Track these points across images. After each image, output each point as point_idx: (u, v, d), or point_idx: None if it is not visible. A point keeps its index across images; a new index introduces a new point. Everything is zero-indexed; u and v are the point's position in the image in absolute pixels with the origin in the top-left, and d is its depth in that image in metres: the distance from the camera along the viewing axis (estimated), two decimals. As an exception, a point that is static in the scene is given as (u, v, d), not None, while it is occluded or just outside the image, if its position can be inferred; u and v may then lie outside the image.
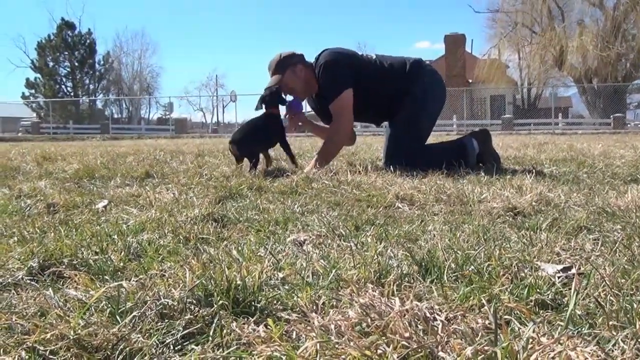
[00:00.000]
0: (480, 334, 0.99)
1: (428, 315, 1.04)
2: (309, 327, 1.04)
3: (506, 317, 1.10)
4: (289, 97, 4.59)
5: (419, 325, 1.01)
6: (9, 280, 1.44)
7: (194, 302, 1.20)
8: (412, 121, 4.34)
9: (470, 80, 38.75)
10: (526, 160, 5.20)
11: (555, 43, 33.93)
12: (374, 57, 4.54)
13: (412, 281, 1.36)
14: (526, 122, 30.91)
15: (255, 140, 4.38)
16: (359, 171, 3.81)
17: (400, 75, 4.41)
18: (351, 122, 4.47)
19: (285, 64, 4.41)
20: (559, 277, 1.34)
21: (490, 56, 38.60)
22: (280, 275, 1.43)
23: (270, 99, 4.39)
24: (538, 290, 1.24)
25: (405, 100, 4.36)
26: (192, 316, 1.13)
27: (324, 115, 4.64)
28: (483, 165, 4.19)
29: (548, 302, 1.20)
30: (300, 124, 4.77)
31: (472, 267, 1.42)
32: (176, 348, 1.04)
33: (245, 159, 4.31)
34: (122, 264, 1.60)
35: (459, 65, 38.59)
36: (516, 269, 1.38)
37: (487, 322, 1.05)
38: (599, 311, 1.11)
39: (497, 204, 2.44)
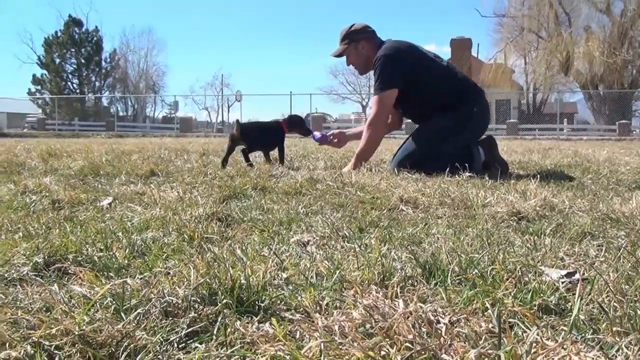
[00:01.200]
0: (483, 337, 0.99)
1: (432, 317, 1.05)
2: (312, 328, 1.04)
3: (510, 321, 1.10)
4: (316, 133, 5.02)
5: (422, 328, 1.01)
6: (15, 276, 1.45)
7: (198, 300, 1.20)
8: (443, 137, 4.31)
9: (480, 86, 38.72)
10: (531, 165, 5.19)
11: (561, 49, 33.89)
12: (445, 62, 4.57)
13: (415, 284, 1.37)
14: (531, 127, 30.91)
15: (259, 136, 4.89)
16: (364, 173, 3.82)
17: (458, 89, 4.43)
18: (386, 117, 4.51)
19: (351, 38, 4.54)
20: (562, 282, 1.34)
21: (497, 61, 38.57)
22: (284, 275, 1.43)
23: (295, 122, 4.94)
24: (542, 294, 1.25)
25: (447, 114, 4.35)
26: (196, 314, 1.14)
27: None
28: (489, 171, 4.18)
29: (552, 306, 1.20)
30: (336, 140, 4.98)
31: (476, 270, 1.42)
32: (180, 346, 1.04)
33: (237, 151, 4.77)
34: (126, 262, 1.60)
35: (464, 69, 38.54)
36: (520, 274, 1.38)
37: (490, 325, 1.05)
38: (602, 317, 1.11)
39: (502, 209, 2.44)
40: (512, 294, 1.25)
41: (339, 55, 4.61)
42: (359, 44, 4.51)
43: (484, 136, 4.61)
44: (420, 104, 4.46)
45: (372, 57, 4.46)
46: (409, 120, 5.41)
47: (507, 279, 1.33)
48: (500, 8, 40.32)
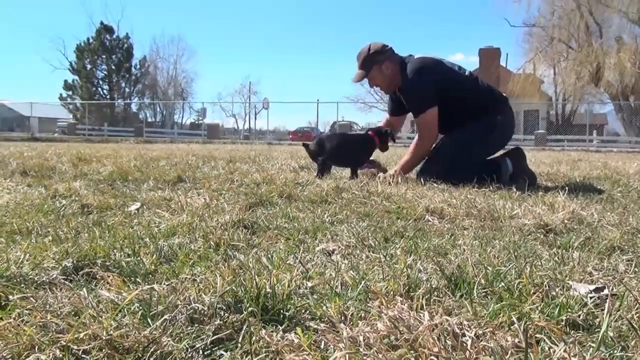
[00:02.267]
0: (510, 352, 0.98)
1: (457, 330, 1.04)
2: (337, 338, 1.04)
3: (536, 336, 1.09)
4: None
5: (447, 341, 1.00)
6: (44, 279, 1.47)
7: (224, 307, 1.21)
8: (465, 146, 4.31)
9: (504, 95, 38.39)
10: (559, 177, 5.13)
11: (592, 59, 33.43)
12: (467, 72, 4.56)
13: (441, 296, 1.36)
14: (560, 138, 30.50)
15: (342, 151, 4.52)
16: (390, 183, 3.81)
17: (484, 98, 4.41)
18: (433, 139, 4.47)
19: (373, 61, 4.46)
20: (591, 298, 1.32)
21: (525, 71, 38.16)
22: (309, 284, 1.44)
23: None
24: (569, 310, 1.23)
25: (476, 123, 4.34)
26: (221, 322, 1.14)
27: (398, 109, 4.82)
28: (516, 183, 4.13)
29: (579, 322, 1.19)
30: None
31: (503, 283, 1.41)
32: (205, 353, 1.05)
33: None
34: (153, 267, 1.62)
35: (492, 79, 38.24)
36: (547, 288, 1.37)
37: (516, 340, 1.04)
38: (632, 334, 1.10)
39: (529, 221, 2.42)
40: (539, 309, 1.23)
41: (361, 80, 4.58)
42: (382, 65, 4.47)
43: (511, 147, 4.57)
44: (447, 115, 4.44)
45: (396, 75, 4.45)
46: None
47: (534, 293, 1.32)
48: (529, 18, 39.78)
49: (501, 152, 4.58)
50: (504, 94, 4.69)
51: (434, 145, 4.48)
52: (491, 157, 4.49)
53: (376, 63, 4.45)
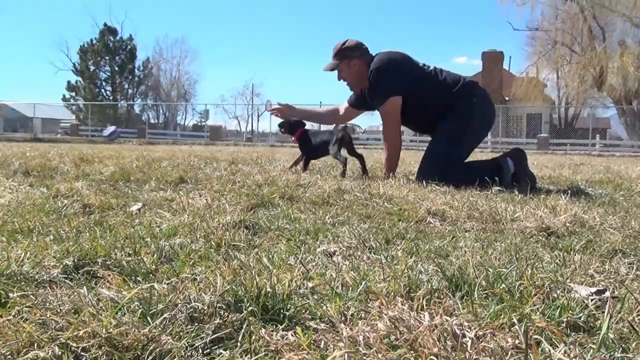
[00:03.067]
0: (509, 353, 0.98)
1: (457, 331, 1.04)
2: (337, 338, 1.04)
3: (536, 337, 1.08)
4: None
5: (447, 341, 1.00)
6: (45, 277, 1.47)
7: (224, 307, 1.21)
8: (453, 137, 4.34)
9: (507, 98, 38.36)
10: (561, 180, 5.13)
11: (595, 63, 33.39)
12: (432, 67, 4.59)
13: (441, 297, 1.35)
14: (562, 142, 30.49)
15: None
16: (391, 185, 3.80)
17: (451, 89, 4.42)
18: (397, 127, 4.58)
19: (344, 55, 4.60)
20: (592, 300, 1.32)
21: (528, 74, 38.14)
22: (310, 284, 1.44)
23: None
24: (570, 311, 1.23)
25: (449, 115, 4.37)
26: (221, 321, 1.14)
27: (360, 104, 5.04)
28: (517, 184, 4.13)
29: (580, 324, 1.18)
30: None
31: (504, 285, 1.40)
32: (205, 352, 1.05)
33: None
34: (154, 267, 1.62)
35: (495, 82, 38.24)
36: (548, 290, 1.36)
37: (517, 341, 1.04)
38: (632, 336, 1.09)
39: (531, 224, 2.41)
40: (540, 310, 1.23)
41: (331, 70, 4.68)
42: (351, 61, 4.60)
43: (512, 149, 4.57)
44: (423, 112, 4.52)
45: (363, 74, 4.55)
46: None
47: (535, 295, 1.32)
48: (533, 22, 39.80)
49: (501, 152, 4.59)
50: (470, 78, 4.71)
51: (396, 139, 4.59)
52: (494, 158, 4.49)
53: (346, 57, 4.59)
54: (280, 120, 5.40)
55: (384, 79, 4.40)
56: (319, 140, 5.07)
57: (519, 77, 38.28)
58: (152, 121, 55.02)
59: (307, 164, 5.22)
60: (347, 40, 4.64)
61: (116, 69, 51.88)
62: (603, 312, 1.21)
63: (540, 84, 37.80)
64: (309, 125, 5.48)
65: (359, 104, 5.03)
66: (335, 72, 4.72)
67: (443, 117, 4.39)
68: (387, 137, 4.56)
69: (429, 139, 4.71)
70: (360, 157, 4.98)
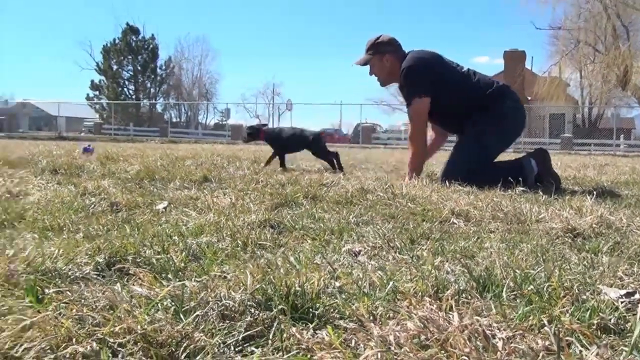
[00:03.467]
0: (541, 355, 0.98)
1: (487, 332, 1.04)
2: (367, 337, 1.05)
3: (567, 338, 1.08)
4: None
5: (478, 342, 1.01)
6: (78, 274, 1.50)
7: (254, 305, 1.22)
8: (481, 140, 4.30)
9: (529, 98, 38.02)
10: (586, 181, 5.08)
11: (619, 62, 32.94)
12: (465, 68, 4.56)
13: (469, 297, 1.36)
14: (586, 142, 30.13)
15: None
16: (414, 185, 3.80)
17: (484, 91, 4.39)
18: (423, 127, 4.51)
19: (376, 49, 4.58)
20: (622, 302, 1.31)
21: (551, 74, 37.75)
22: (337, 284, 1.45)
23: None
24: (600, 313, 1.22)
25: (480, 117, 4.34)
26: (252, 319, 1.16)
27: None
28: (541, 185, 4.09)
29: (611, 326, 1.18)
30: None
31: (532, 286, 1.40)
32: (237, 349, 1.07)
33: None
34: (183, 264, 1.64)
35: (517, 82, 37.91)
36: (577, 291, 1.36)
37: (547, 343, 1.04)
38: (663, 339, 1.09)
39: (556, 225, 2.40)
40: (570, 312, 1.23)
41: (363, 64, 4.66)
42: (383, 56, 4.56)
43: (535, 149, 4.53)
44: (453, 113, 4.49)
45: (395, 70, 4.51)
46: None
47: (564, 297, 1.31)
48: (555, 21, 39.30)
49: (524, 152, 4.55)
50: (503, 82, 4.66)
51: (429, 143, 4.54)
52: (517, 158, 4.46)
53: (379, 53, 4.57)
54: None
55: (415, 78, 4.37)
56: (288, 136, 5.69)
57: (542, 77, 37.90)
58: (174, 120, 55.37)
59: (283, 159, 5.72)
60: (380, 35, 4.61)
61: (139, 68, 52.28)
62: (634, 315, 1.21)
63: (563, 83, 37.41)
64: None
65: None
66: (367, 67, 4.69)
67: (474, 117, 4.36)
68: (413, 137, 4.51)
69: (452, 137, 4.69)
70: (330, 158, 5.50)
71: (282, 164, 5.51)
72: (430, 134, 4.95)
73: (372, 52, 4.58)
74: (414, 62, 4.40)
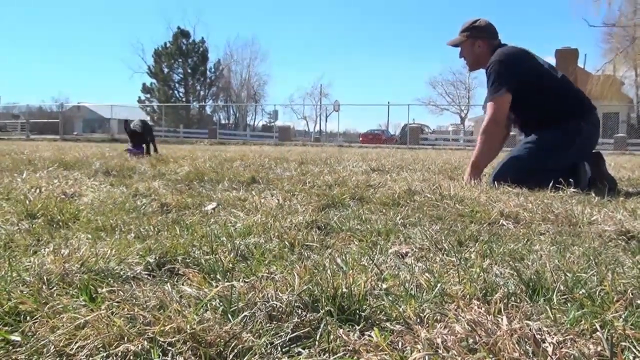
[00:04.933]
0: (593, 360, 0.96)
1: (537, 336, 1.02)
2: (415, 339, 1.05)
3: (621, 344, 1.05)
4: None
5: (528, 346, 0.99)
6: (129, 274, 1.54)
7: (301, 306, 1.23)
8: (549, 152, 4.16)
9: (592, 103, 37.12)
10: (641, 182, 4.93)
11: (676, 59, 31.90)
12: (560, 74, 4.44)
13: (519, 301, 1.34)
14: (641, 142, 29.23)
15: None
16: (462, 186, 3.76)
17: (568, 102, 4.29)
18: (500, 122, 4.36)
19: (472, 33, 4.52)
20: (679, 308, 1.27)
21: (605, 72, 36.79)
22: (384, 286, 1.44)
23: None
24: (656, 320, 1.19)
25: (553, 128, 4.21)
26: (299, 320, 1.17)
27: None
28: (595, 188, 3.98)
29: (667, 332, 1.14)
30: None
31: (583, 290, 1.37)
32: (284, 350, 1.08)
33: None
34: (231, 265, 1.67)
35: (570, 80, 37.04)
36: (631, 296, 1.32)
37: (599, 348, 1.02)
38: None
39: (609, 227, 2.34)
40: (623, 317, 1.20)
41: (455, 45, 4.58)
42: (476, 40, 4.49)
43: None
44: (529, 113, 4.35)
45: (484, 57, 4.43)
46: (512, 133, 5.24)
47: (617, 301, 1.28)
48: (610, 17, 38.26)
49: None
50: (591, 100, 4.53)
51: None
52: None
53: (472, 37, 4.49)
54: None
55: (502, 72, 4.25)
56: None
57: (595, 75, 36.99)
58: (222, 122, 56.18)
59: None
60: (478, 19, 4.53)
61: (189, 71, 53.29)
62: (691, 321, 1.16)
63: (617, 82, 36.43)
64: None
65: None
66: (458, 49, 4.62)
67: (549, 125, 4.23)
68: (486, 131, 4.32)
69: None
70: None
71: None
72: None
73: (466, 35, 4.52)
74: (504, 57, 4.29)
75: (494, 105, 4.27)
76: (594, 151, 4.44)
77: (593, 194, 3.38)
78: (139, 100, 53.06)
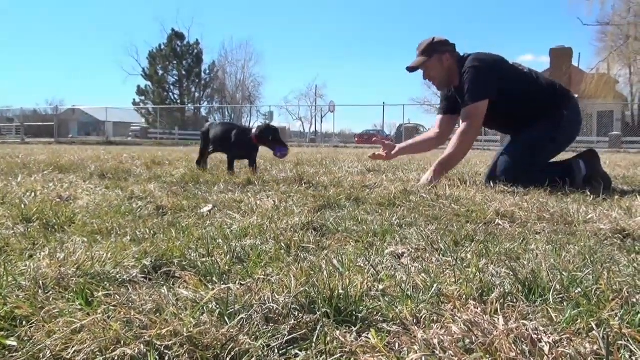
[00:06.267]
0: (589, 359, 0.96)
1: (533, 336, 1.03)
2: (411, 340, 1.05)
3: (617, 343, 1.06)
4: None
5: (524, 346, 0.99)
6: (125, 277, 1.53)
7: (298, 308, 1.23)
8: (536, 146, 4.19)
9: (577, 95, 37.17)
10: (636, 180, 4.94)
11: (670, 57, 32.00)
12: (526, 68, 4.44)
13: (515, 300, 1.34)
14: (636, 140, 29.30)
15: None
16: (458, 185, 3.76)
17: (546, 94, 4.29)
18: (476, 131, 4.38)
19: (435, 49, 4.37)
20: (674, 306, 1.27)
21: (599, 70, 36.89)
22: (381, 286, 1.44)
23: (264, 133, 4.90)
24: (652, 317, 1.19)
25: (541, 121, 4.23)
26: (296, 322, 1.17)
27: (453, 108, 4.62)
28: (590, 186, 3.99)
29: (662, 330, 1.15)
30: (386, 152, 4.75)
31: (579, 289, 1.38)
32: (281, 352, 1.07)
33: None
34: (227, 267, 1.66)
35: (564, 79, 37.15)
36: (627, 294, 1.33)
37: (595, 347, 1.02)
38: None
39: (605, 225, 2.35)
40: (619, 316, 1.20)
41: (418, 65, 4.41)
42: (443, 55, 4.36)
43: (583, 149, 4.42)
44: (511, 114, 4.34)
45: (454, 71, 4.35)
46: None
47: (613, 300, 1.28)
48: (604, 16, 38.37)
49: (573, 153, 4.44)
50: (567, 88, 4.53)
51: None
52: (564, 159, 4.36)
53: (438, 52, 4.35)
54: None
55: (480, 78, 4.20)
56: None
57: (589, 74, 37.09)
58: (218, 123, 56.13)
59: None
60: (434, 37, 4.43)
61: (183, 73, 53.28)
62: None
63: (611, 80, 36.52)
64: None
65: (452, 108, 4.66)
66: (420, 71, 4.48)
67: (530, 121, 4.25)
68: (465, 134, 4.27)
69: (494, 138, 4.58)
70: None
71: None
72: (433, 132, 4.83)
73: (429, 53, 4.38)
74: (481, 63, 4.24)
75: (473, 111, 4.23)
76: (588, 149, 4.46)
77: (588, 193, 3.38)
78: (134, 103, 53.06)
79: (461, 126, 4.32)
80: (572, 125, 4.36)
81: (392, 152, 4.74)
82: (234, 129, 5.09)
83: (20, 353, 1.05)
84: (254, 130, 4.96)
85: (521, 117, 4.30)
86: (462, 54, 4.43)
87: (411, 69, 4.44)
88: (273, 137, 4.87)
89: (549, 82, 4.42)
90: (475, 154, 10.91)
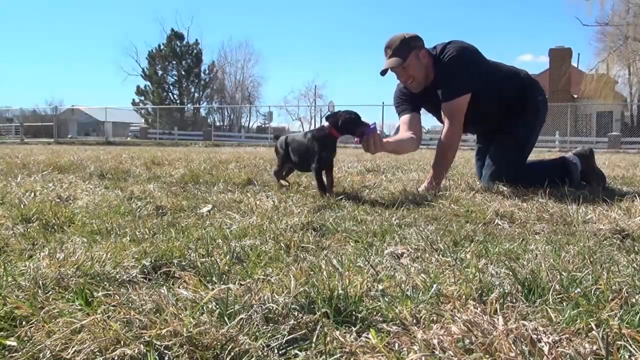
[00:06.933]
0: (589, 359, 0.96)
1: (533, 336, 1.03)
2: (411, 340, 1.05)
3: (617, 342, 1.06)
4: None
5: (524, 346, 0.99)
6: (125, 277, 1.54)
7: (297, 308, 1.23)
8: (523, 142, 4.13)
9: (576, 96, 37.21)
10: (635, 180, 4.94)
11: (670, 58, 32.01)
12: (490, 61, 4.17)
13: (514, 301, 1.34)
14: (635, 141, 29.26)
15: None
16: (457, 186, 3.76)
17: (517, 84, 4.11)
18: (461, 127, 4.03)
19: (411, 46, 3.90)
20: (673, 306, 1.27)
21: (598, 71, 36.87)
22: (380, 287, 1.44)
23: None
24: (651, 317, 1.19)
25: (517, 116, 4.10)
26: (295, 322, 1.17)
27: (431, 108, 4.28)
28: (587, 184, 3.99)
29: (661, 330, 1.15)
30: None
31: (579, 289, 1.38)
32: (281, 352, 1.07)
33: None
34: (227, 267, 1.66)
35: (563, 80, 37.17)
36: (626, 294, 1.33)
37: (595, 347, 1.02)
38: None
39: (604, 226, 2.35)
40: (618, 316, 1.20)
41: (396, 66, 3.90)
42: (420, 51, 3.91)
43: (580, 147, 4.39)
44: (490, 111, 4.11)
45: (430, 67, 3.96)
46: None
47: (613, 300, 1.28)
48: (603, 16, 38.32)
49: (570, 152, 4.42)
50: (521, 69, 4.31)
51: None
52: (560, 156, 4.35)
53: (414, 49, 3.89)
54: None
55: (464, 69, 3.87)
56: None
57: (589, 74, 37.06)
58: (217, 124, 56.14)
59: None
60: (404, 34, 3.95)
61: (183, 73, 53.18)
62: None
63: (611, 80, 36.50)
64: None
65: (419, 106, 4.26)
66: (393, 74, 4.06)
67: (510, 116, 4.11)
68: (451, 138, 3.98)
69: (471, 137, 4.43)
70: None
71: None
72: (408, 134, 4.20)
73: (403, 54, 3.88)
74: (464, 53, 3.90)
75: (456, 106, 3.92)
76: (583, 146, 4.44)
77: (587, 193, 3.38)
78: (133, 103, 52.96)
79: (445, 127, 4.03)
80: (544, 109, 4.27)
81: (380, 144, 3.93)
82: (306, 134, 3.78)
83: (20, 353, 1.05)
84: (326, 124, 3.73)
85: (500, 111, 4.11)
86: (430, 48, 4.06)
87: (385, 71, 4.00)
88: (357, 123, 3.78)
89: (511, 69, 4.23)
90: (458, 154, 10.89)
